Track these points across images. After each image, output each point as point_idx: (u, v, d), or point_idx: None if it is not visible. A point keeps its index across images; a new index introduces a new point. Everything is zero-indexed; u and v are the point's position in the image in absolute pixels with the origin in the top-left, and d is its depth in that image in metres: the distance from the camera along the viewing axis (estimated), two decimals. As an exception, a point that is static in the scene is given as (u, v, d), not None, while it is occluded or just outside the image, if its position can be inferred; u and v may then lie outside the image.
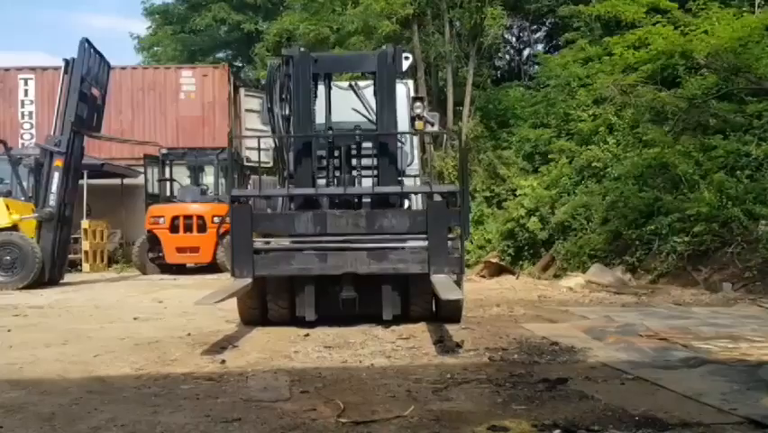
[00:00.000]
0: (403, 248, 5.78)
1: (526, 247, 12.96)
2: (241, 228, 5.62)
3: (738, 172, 10.32)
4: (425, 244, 5.63)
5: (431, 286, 5.95)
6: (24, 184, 12.32)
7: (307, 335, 5.61)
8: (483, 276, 12.68)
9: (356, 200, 6.28)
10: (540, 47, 24.13)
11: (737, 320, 6.34)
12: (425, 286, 5.94)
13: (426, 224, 5.61)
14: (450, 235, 5.77)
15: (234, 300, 6.20)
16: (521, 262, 13.00)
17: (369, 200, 6.27)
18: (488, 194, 15.51)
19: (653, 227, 10.26)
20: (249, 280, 5.59)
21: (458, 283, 5.66)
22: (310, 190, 6.07)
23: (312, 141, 6.21)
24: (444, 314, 6.09)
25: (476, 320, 6.49)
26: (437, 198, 6.04)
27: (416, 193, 6.90)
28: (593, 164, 12.79)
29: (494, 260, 13.18)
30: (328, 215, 5.79)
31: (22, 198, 12.11)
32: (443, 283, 5.39)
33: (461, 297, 5.46)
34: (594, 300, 8.53)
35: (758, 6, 14.64)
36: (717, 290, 8.86)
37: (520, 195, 13.81)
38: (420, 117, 7.49)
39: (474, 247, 14.48)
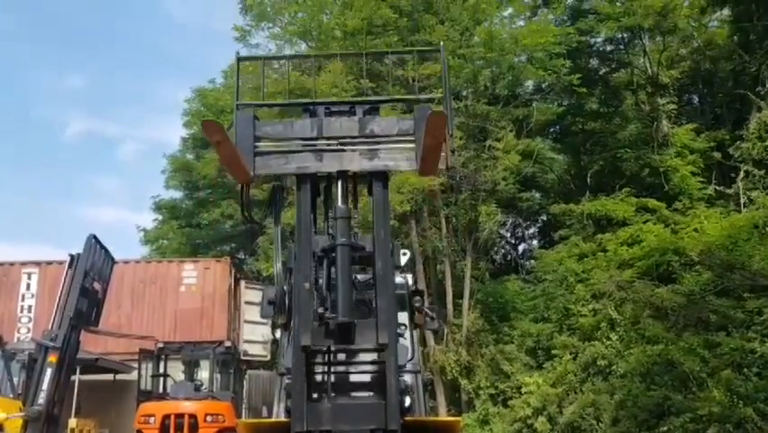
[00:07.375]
0: (394, 148, 6.22)
1: (536, 450, 12.36)
2: (244, 131, 6.19)
3: (746, 370, 10.15)
4: (413, 145, 6.00)
5: None
6: (15, 380, 11.99)
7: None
8: (490, 482, 11.97)
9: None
10: (535, 242, 24.75)
11: None
12: None
13: (414, 126, 6.02)
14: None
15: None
16: (530, 466, 12.32)
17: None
18: (492, 391, 15.04)
19: (665, 429, 9.88)
20: None
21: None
22: (307, 101, 6.56)
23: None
24: None
25: None
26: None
27: (403, 101, 7.67)
28: (598, 361, 12.59)
29: (501, 464, 12.49)
30: (323, 120, 6.32)
31: (11, 395, 11.72)
32: None
33: None
34: None
35: (744, 206, 15.25)
36: (742, 499, 8.30)
37: (526, 392, 13.41)
38: (420, 311, 7.53)
39: (481, 450, 13.80)
